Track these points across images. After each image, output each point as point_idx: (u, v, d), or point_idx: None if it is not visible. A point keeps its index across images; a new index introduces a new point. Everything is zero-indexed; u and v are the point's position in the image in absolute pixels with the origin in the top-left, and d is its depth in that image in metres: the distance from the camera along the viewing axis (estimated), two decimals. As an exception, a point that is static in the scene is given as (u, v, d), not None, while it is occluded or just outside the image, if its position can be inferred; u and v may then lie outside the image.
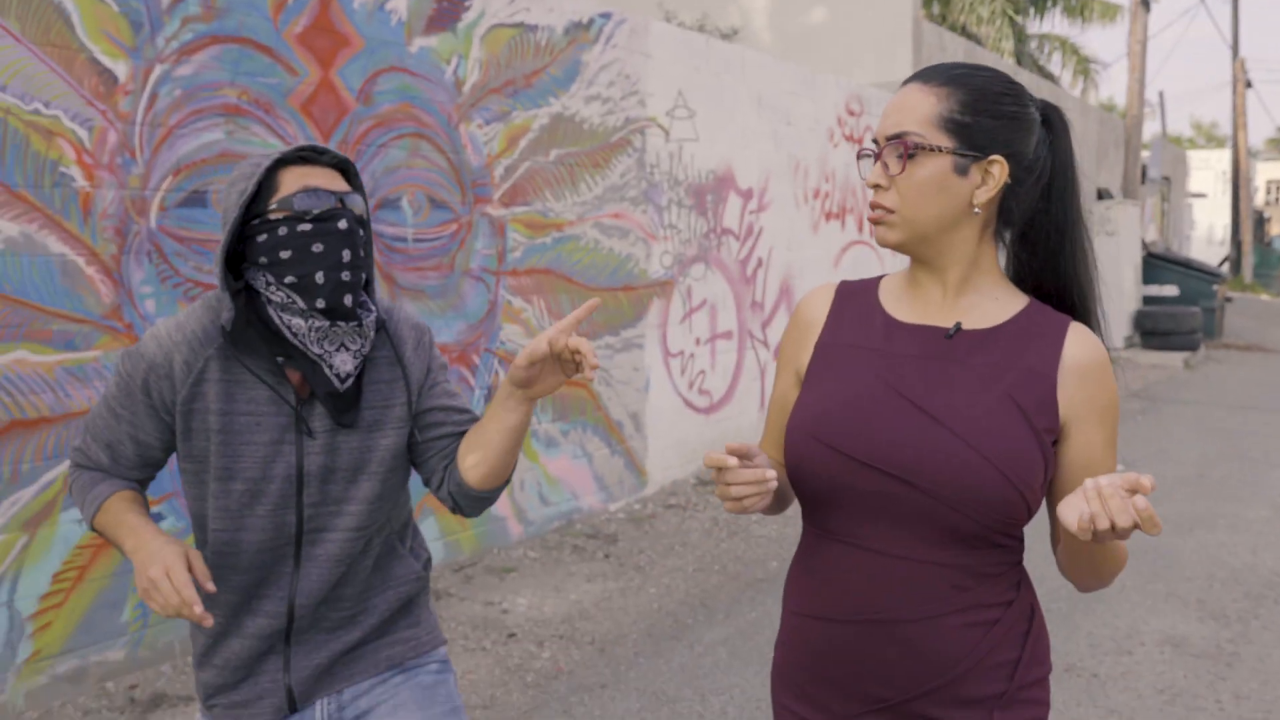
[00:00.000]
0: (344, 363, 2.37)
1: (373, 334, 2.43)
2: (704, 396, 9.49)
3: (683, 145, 8.96)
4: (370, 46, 6.11)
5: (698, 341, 9.32)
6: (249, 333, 2.36)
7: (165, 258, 5.18)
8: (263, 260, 2.33)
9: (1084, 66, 29.11)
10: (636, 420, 8.61)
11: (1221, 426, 12.72)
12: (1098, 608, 6.48)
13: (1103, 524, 1.74)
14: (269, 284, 2.34)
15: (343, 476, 2.42)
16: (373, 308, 2.46)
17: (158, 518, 5.18)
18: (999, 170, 2.05)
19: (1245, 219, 40.02)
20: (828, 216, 11.24)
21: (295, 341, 2.35)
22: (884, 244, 2.12)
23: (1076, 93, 29.55)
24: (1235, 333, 23.78)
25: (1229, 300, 27.12)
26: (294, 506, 2.40)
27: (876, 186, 2.10)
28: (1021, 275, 2.19)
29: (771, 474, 1.94)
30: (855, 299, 2.27)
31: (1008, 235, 2.16)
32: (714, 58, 9.35)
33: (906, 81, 2.12)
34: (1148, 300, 20.93)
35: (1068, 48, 29.11)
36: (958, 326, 2.11)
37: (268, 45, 5.56)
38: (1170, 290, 20.99)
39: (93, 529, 2.46)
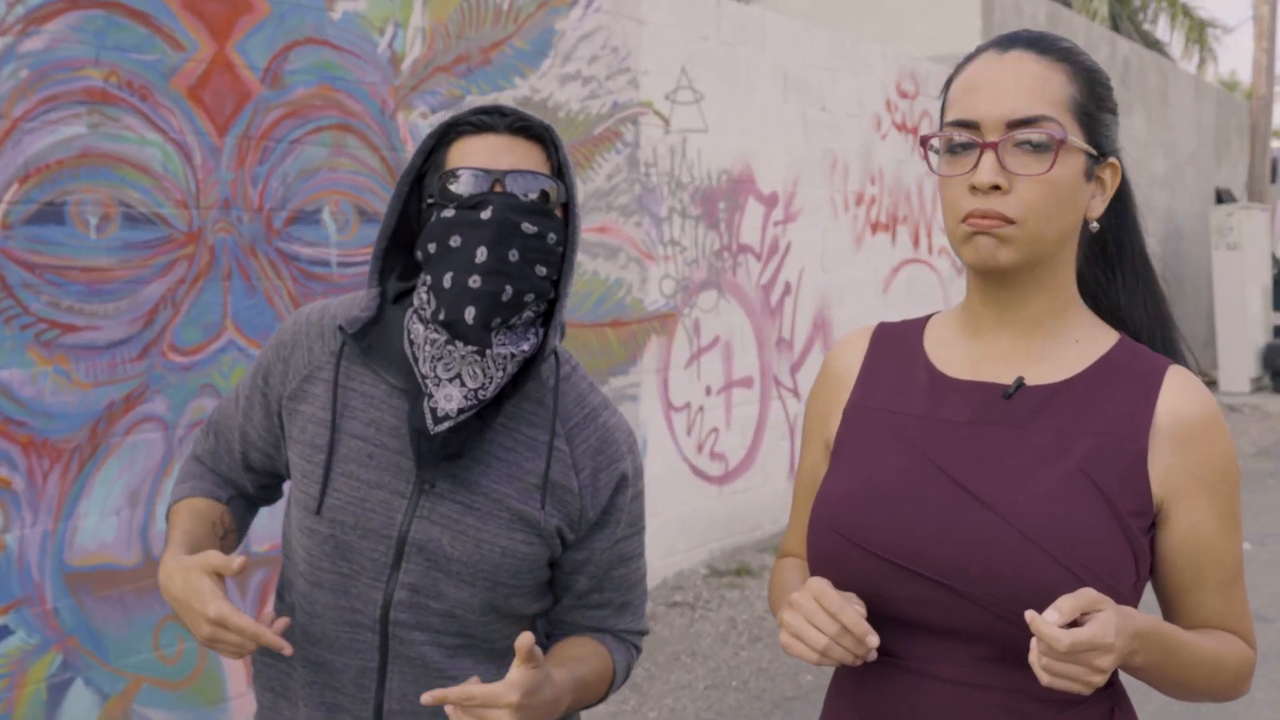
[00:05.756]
0: (449, 399, 2.34)
1: (500, 374, 2.37)
2: (717, 461, 9.50)
3: (687, 138, 9.00)
4: (279, 12, 6.11)
5: (708, 391, 9.37)
6: (392, 342, 2.42)
7: (10, 290, 5.15)
8: (420, 255, 2.38)
9: (1199, 32, 29.28)
10: (630, 493, 8.56)
11: (1381, 493, 12.81)
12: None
13: (1044, 679, 1.84)
14: (422, 282, 2.39)
15: (460, 569, 2.39)
16: (524, 344, 2.39)
17: (3, 631, 5.11)
18: (1111, 176, 2.14)
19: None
20: (874, 228, 11.33)
21: (409, 353, 2.37)
22: (990, 267, 2.09)
23: (1190, 66, 29.68)
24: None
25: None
26: (384, 581, 2.39)
27: (995, 188, 2.04)
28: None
29: (874, 639, 1.98)
30: (895, 347, 2.32)
31: None
32: (726, 24, 9.41)
33: (1002, 48, 2.12)
34: (1280, 331, 21.00)
35: (1178, 8, 29.30)
36: (1019, 382, 2.13)
37: (144, 11, 5.54)
38: (1310, 318, 21.10)
39: None
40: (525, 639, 2.08)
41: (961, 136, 2.08)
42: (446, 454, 2.35)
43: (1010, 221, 2.03)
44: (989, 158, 2.03)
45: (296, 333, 2.49)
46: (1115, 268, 2.24)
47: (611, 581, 2.55)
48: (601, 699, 2.50)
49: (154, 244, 5.59)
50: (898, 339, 2.33)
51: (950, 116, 2.12)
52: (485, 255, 2.28)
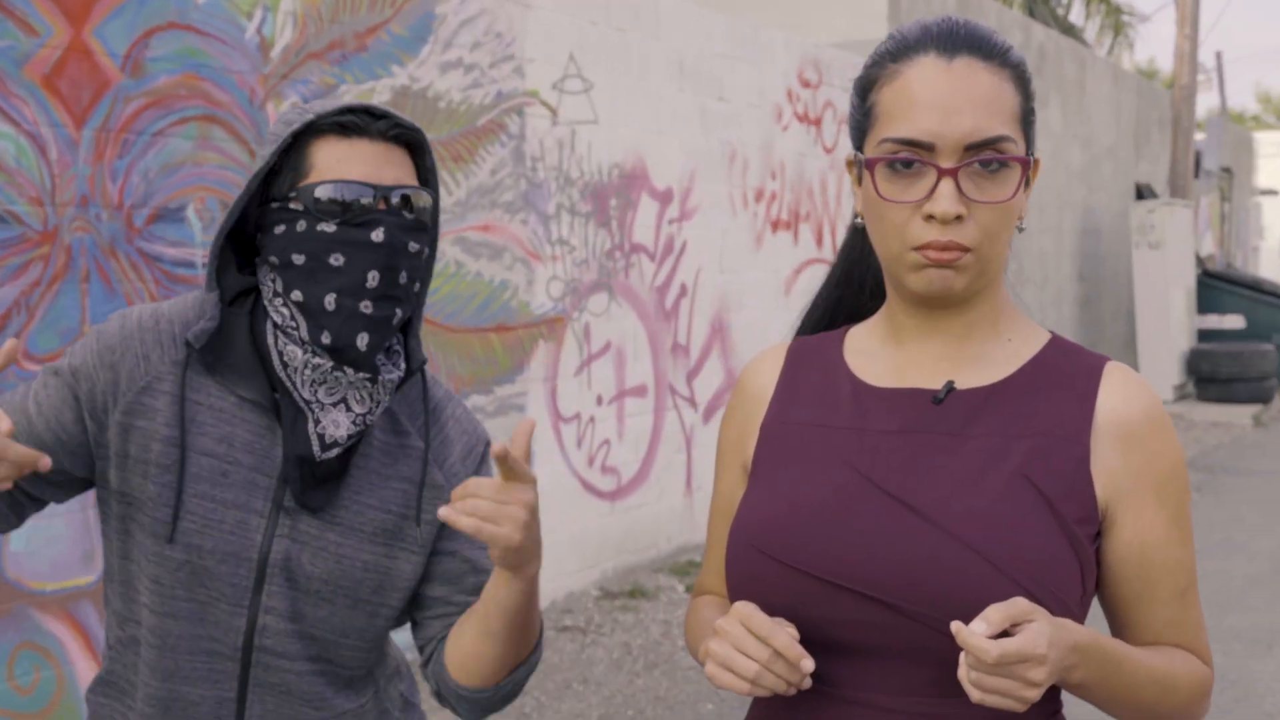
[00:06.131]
0: (336, 424, 2.33)
1: (387, 398, 2.38)
2: (609, 476, 9.51)
3: (576, 130, 8.99)
4: (141, -5, 6.05)
5: (600, 400, 9.37)
6: (238, 350, 2.35)
7: None
8: (273, 260, 2.32)
9: (1115, 18, 29.49)
10: (516, 510, 8.54)
11: (1308, 506, 12.62)
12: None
13: (974, 695, 1.80)
14: (275, 293, 2.34)
15: (320, 587, 2.37)
16: (401, 361, 2.41)
17: None
18: (1033, 172, 2.09)
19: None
20: (775, 226, 11.33)
21: (283, 375, 2.32)
22: (945, 295, 2.05)
23: (1104, 52, 29.93)
24: (1323, 377, 23.98)
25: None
26: (246, 605, 2.35)
27: (958, 218, 1.98)
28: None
29: (809, 663, 1.92)
30: (812, 360, 2.27)
31: None
32: (617, 8, 9.37)
33: (946, 54, 2.02)
34: (1204, 336, 21.10)
35: (1094, -9, 29.53)
36: (949, 386, 2.10)
37: (-5, -6, 5.49)
38: (1235, 321, 21.19)
39: None
40: (512, 442, 2.07)
41: (903, 158, 2.00)
42: (322, 480, 2.34)
43: (968, 250, 1.98)
44: (948, 185, 1.97)
45: (126, 338, 2.37)
46: None
47: (475, 560, 2.49)
48: (532, 653, 2.44)
49: (6, 244, 5.53)
50: (815, 352, 2.27)
51: (894, 133, 2.01)
52: (377, 280, 2.26)
